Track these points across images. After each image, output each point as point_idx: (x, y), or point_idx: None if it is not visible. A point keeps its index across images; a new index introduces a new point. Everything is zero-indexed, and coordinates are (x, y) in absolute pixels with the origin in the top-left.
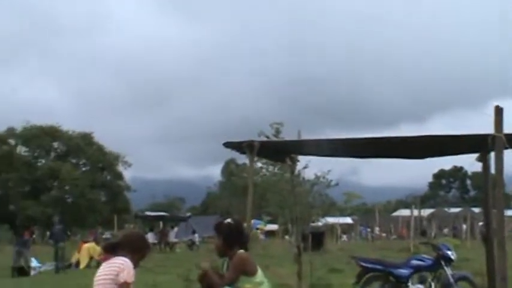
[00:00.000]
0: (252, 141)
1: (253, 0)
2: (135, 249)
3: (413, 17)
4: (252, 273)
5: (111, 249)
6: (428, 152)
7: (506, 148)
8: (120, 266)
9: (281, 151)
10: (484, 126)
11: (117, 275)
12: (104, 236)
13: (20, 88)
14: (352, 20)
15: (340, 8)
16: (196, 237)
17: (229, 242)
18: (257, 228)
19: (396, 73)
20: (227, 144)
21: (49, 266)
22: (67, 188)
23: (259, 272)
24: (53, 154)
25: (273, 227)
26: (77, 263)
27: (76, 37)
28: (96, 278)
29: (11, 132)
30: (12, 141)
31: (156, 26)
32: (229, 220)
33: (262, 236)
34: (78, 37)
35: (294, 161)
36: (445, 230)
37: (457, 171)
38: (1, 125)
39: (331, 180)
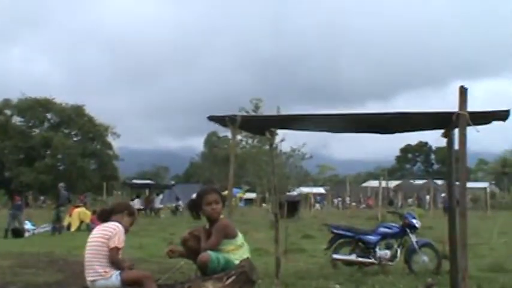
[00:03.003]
0: (235, 115)
1: None
2: (127, 215)
3: (383, 4)
4: (233, 236)
5: (105, 216)
6: (397, 127)
7: (469, 125)
8: (113, 231)
9: (261, 125)
10: (444, 104)
11: (109, 238)
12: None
13: (16, 62)
14: (327, 5)
15: None
16: (181, 204)
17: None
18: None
19: (365, 55)
20: (211, 118)
21: (42, 228)
22: (59, 156)
23: (240, 236)
24: (46, 124)
25: (252, 195)
26: (68, 226)
27: (69, 12)
28: (89, 240)
29: (7, 103)
30: (8, 112)
31: (146, 6)
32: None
33: (241, 204)
34: (71, 12)
35: (273, 135)
36: (410, 200)
37: (422, 146)
38: None
39: (305, 154)
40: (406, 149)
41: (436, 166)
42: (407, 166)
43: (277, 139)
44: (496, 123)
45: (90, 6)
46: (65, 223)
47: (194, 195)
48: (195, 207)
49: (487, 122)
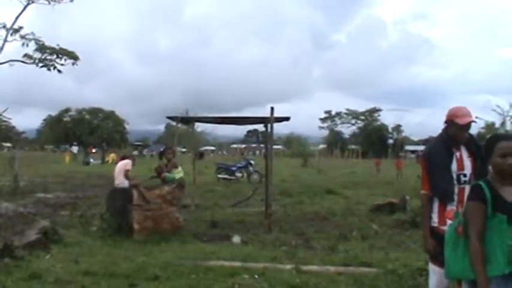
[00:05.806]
0: (177, 117)
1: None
2: (132, 158)
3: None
4: (176, 167)
5: (123, 158)
6: (246, 123)
7: (275, 122)
8: (126, 162)
9: (188, 121)
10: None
11: (125, 165)
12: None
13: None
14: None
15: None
16: (154, 154)
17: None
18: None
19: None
20: (168, 117)
21: (97, 161)
22: (104, 132)
23: (179, 167)
24: (99, 118)
25: (184, 150)
26: (107, 161)
27: None
28: (117, 166)
29: (79, 110)
30: (81, 114)
31: None
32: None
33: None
34: None
35: (193, 125)
36: (251, 153)
37: (255, 130)
38: None
39: (206, 132)
40: (249, 131)
41: (261, 139)
42: (250, 139)
43: (195, 126)
44: (285, 122)
45: None
46: (107, 159)
47: (162, 149)
48: (161, 154)
49: (281, 121)
